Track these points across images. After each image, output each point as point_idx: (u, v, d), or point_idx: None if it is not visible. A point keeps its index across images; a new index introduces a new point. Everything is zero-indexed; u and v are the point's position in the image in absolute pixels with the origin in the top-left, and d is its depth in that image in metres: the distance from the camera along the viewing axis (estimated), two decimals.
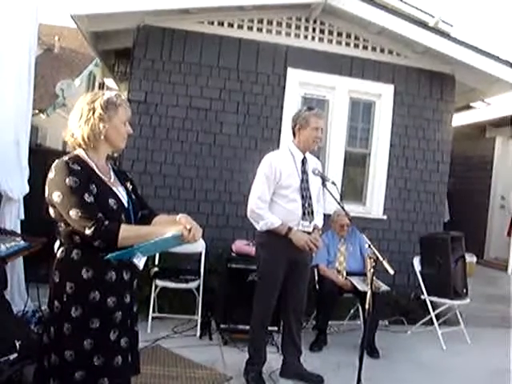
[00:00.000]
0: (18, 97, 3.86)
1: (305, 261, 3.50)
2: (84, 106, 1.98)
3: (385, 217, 5.67)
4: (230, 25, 5.32)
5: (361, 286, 4.26)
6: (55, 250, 2.00)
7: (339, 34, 5.57)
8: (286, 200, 3.36)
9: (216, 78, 5.27)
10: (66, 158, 1.92)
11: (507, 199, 7.68)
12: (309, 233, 3.38)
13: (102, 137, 1.98)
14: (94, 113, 1.95)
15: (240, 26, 5.35)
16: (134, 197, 2.13)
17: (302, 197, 3.38)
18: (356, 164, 5.80)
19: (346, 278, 4.46)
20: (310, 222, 3.40)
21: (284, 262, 3.38)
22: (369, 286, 2.74)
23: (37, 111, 11.55)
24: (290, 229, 3.30)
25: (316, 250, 3.42)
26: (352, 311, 4.96)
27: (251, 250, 4.10)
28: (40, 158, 4.96)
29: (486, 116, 7.95)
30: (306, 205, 3.39)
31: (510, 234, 6.87)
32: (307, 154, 3.52)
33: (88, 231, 1.80)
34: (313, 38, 5.51)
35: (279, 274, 3.40)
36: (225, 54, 5.28)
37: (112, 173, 2.10)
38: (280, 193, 3.37)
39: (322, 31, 5.53)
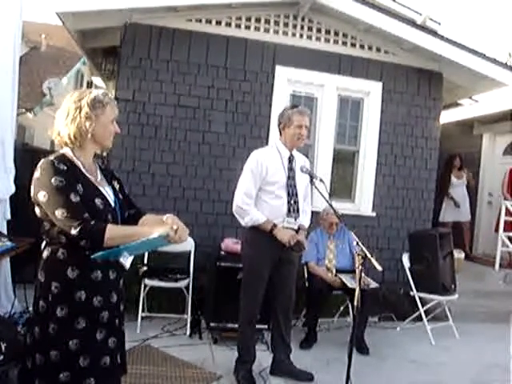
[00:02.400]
0: (1, 96, 3.80)
1: (291, 258, 3.50)
2: (71, 104, 1.96)
3: (374, 214, 5.70)
4: (218, 22, 5.30)
5: (350, 283, 4.27)
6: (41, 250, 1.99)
7: (327, 32, 5.57)
8: (271, 196, 3.37)
9: (204, 76, 5.25)
10: (51, 157, 1.90)
11: (494, 195, 7.74)
12: (296, 231, 3.39)
13: (89, 135, 1.97)
14: (80, 111, 1.93)
15: (228, 24, 5.33)
16: (120, 196, 2.11)
17: (288, 194, 3.39)
18: (345, 161, 5.81)
19: (335, 275, 4.47)
20: (296, 219, 3.41)
21: (269, 259, 3.38)
22: (357, 283, 2.75)
23: (24, 110, 11.43)
24: (274, 225, 3.30)
25: (300, 250, 3.43)
26: (342, 308, 4.98)
27: (240, 248, 4.10)
28: (27, 157, 4.93)
29: (474, 113, 7.99)
30: (292, 202, 3.39)
31: (498, 230, 6.91)
32: (295, 152, 3.53)
33: (74, 231, 1.78)
34: (301, 35, 5.51)
35: (264, 270, 3.40)
36: (213, 52, 5.26)
37: (99, 172, 2.08)
38: (266, 189, 3.37)
39: (310, 29, 5.53)
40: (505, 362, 3.90)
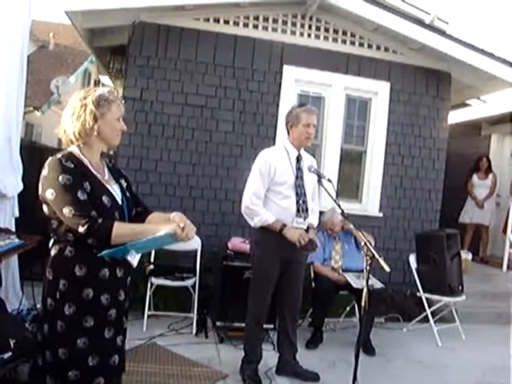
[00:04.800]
0: (9, 94, 3.81)
1: (300, 258, 3.49)
2: (76, 102, 1.96)
3: (381, 214, 5.67)
4: (226, 22, 5.30)
5: (354, 282, 4.25)
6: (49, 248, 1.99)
7: (335, 31, 5.56)
8: (280, 197, 3.35)
9: (211, 75, 5.25)
10: (59, 155, 1.91)
11: (502, 197, 7.68)
12: (306, 230, 3.38)
13: (95, 133, 1.97)
14: (85, 109, 1.94)
15: (236, 23, 5.33)
16: (128, 194, 2.12)
17: (297, 194, 3.37)
18: (352, 161, 5.80)
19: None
20: (305, 219, 3.39)
21: (278, 260, 3.37)
22: (364, 284, 2.73)
23: (31, 108, 11.50)
24: (284, 225, 3.29)
25: (313, 249, 3.42)
26: (348, 309, 4.96)
27: (247, 247, 4.09)
28: (35, 155, 4.95)
29: (482, 113, 7.95)
30: (301, 202, 3.37)
31: (506, 232, 6.87)
32: (302, 152, 3.51)
33: (81, 229, 1.79)
34: (309, 35, 5.50)
35: (273, 271, 3.39)
36: (220, 51, 5.26)
37: (106, 170, 2.08)
38: (274, 189, 3.36)
39: (318, 28, 5.51)
40: (511, 363, 3.88)
